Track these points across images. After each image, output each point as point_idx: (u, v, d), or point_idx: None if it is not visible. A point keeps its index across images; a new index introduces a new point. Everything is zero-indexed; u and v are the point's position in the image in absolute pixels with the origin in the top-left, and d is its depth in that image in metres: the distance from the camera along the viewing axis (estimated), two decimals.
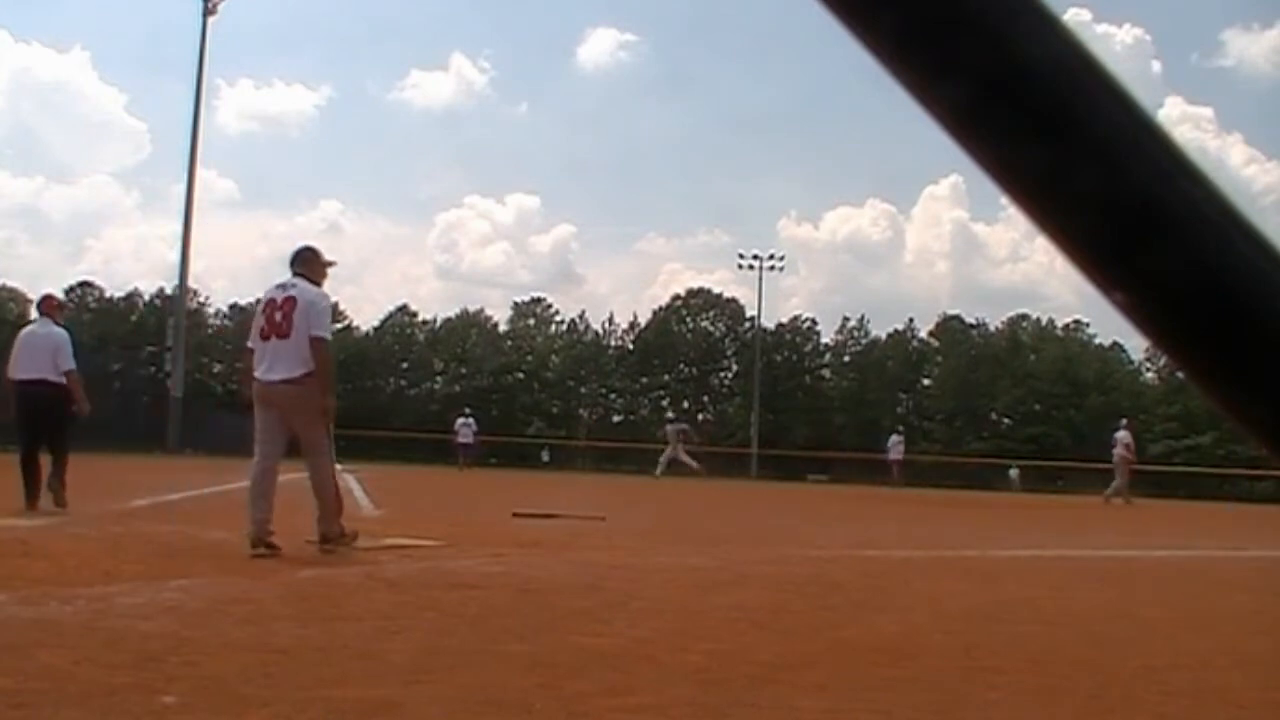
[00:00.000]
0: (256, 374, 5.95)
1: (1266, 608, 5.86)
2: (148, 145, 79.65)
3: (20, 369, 8.23)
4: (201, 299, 59.31)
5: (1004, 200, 0.39)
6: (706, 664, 3.29)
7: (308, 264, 6.23)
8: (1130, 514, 18.64)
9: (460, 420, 31.64)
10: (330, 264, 6.45)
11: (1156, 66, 71.85)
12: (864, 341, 61.19)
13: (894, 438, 33.36)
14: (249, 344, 6.16)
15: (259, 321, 6.10)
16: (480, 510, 10.71)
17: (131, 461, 20.35)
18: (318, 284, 6.20)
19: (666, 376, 60.99)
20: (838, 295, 73.82)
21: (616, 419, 60.68)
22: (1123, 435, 23.02)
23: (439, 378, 57.98)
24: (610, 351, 61.78)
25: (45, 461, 8.09)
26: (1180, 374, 0.40)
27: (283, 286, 6.07)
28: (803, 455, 48.34)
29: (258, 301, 6.42)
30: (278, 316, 5.93)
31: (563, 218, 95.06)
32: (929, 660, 3.61)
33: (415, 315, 63.04)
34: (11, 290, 58.50)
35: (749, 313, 58.69)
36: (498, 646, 3.41)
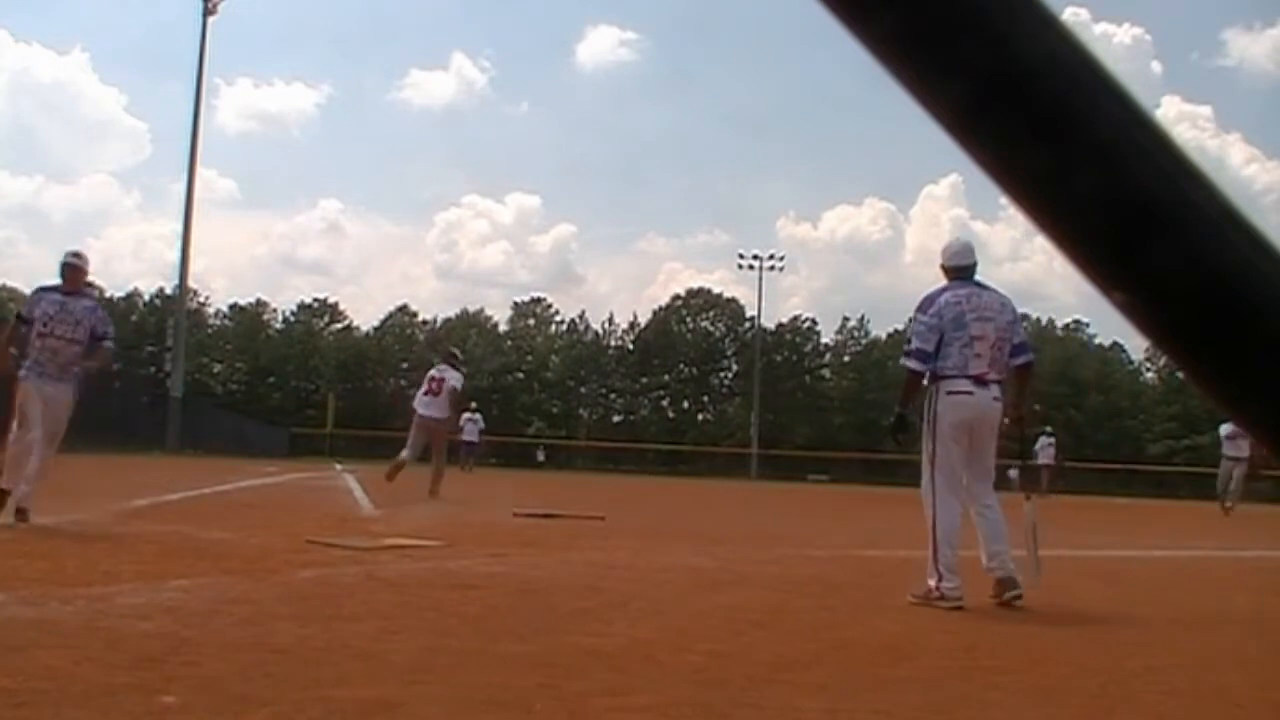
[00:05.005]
0: (420, 410, 12.81)
1: (1266, 608, 5.87)
2: (148, 145, 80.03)
3: None
4: (201, 299, 59.47)
5: (1004, 200, 0.39)
6: (706, 664, 3.29)
7: (450, 359, 13.41)
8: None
9: (465, 415, 26.87)
10: (463, 363, 14.29)
11: (1156, 66, 72.07)
12: (864, 341, 61.22)
13: (1043, 439, 28.10)
14: (421, 393, 12.96)
15: (425, 385, 12.92)
16: (480, 510, 10.71)
17: (131, 461, 20.36)
18: (457, 368, 13.24)
19: (666, 376, 61.03)
20: (838, 295, 73.92)
21: (616, 419, 60.73)
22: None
23: None
24: (610, 351, 61.79)
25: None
26: (1180, 374, 0.40)
27: (438, 369, 13.16)
28: (803, 455, 48.37)
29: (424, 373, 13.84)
30: (434, 385, 12.81)
31: (563, 218, 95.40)
32: (929, 660, 3.61)
33: (415, 315, 63.15)
34: (11, 290, 58.50)
35: (749, 313, 58.79)
36: (498, 646, 3.41)
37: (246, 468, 19.70)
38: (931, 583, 4.87)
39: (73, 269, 6.98)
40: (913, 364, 5.11)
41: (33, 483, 6.49)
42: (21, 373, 6.71)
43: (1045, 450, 27.82)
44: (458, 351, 14.48)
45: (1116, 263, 0.38)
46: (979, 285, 5.23)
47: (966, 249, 5.35)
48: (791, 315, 62.70)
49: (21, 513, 6.37)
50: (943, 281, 5.29)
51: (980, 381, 5.04)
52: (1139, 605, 5.52)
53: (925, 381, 5.14)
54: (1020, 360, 5.26)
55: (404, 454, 12.58)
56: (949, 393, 5.03)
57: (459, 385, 12.99)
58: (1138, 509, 21.97)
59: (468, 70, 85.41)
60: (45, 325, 6.73)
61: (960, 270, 5.25)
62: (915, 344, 5.11)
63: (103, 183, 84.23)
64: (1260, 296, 0.37)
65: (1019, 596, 4.87)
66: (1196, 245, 0.37)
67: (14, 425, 6.67)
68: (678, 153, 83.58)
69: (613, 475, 38.25)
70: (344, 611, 3.99)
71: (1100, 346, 58.34)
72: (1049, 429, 30.21)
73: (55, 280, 6.92)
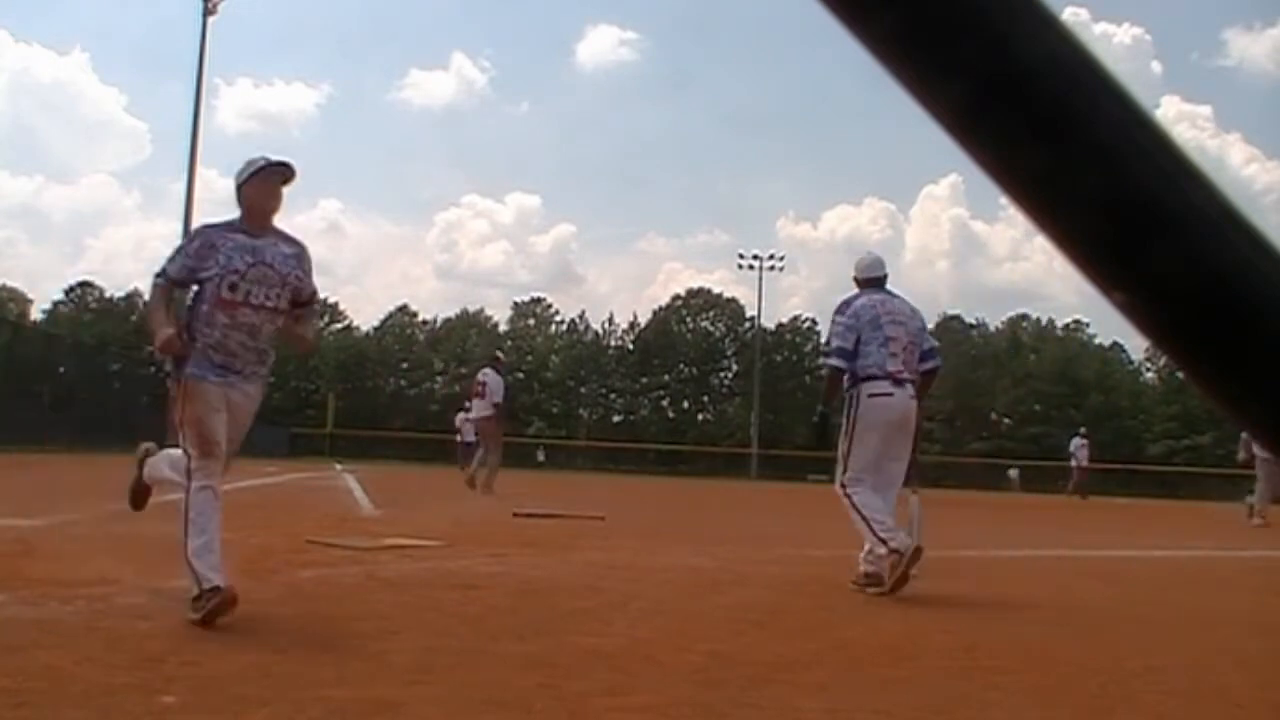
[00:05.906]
0: (473, 414, 15.05)
1: (1266, 608, 5.87)
2: (148, 145, 79.75)
3: None
4: None
5: (1004, 200, 0.39)
6: (706, 664, 3.29)
7: (494, 363, 15.02)
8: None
9: (461, 415, 24.00)
10: (505, 364, 15.48)
11: (1156, 66, 72.04)
12: None
13: (1077, 440, 27.35)
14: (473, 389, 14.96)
15: (474, 387, 14.81)
16: (480, 510, 10.71)
17: (131, 462, 20.34)
18: (498, 370, 14.82)
19: (666, 376, 60.98)
20: (838, 295, 73.17)
21: (616, 419, 60.68)
22: None
23: (439, 378, 57.93)
24: (610, 351, 61.75)
25: None
26: (1180, 374, 0.40)
27: (483, 372, 14.79)
28: (803, 455, 48.27)
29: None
30: (479, 389, 14.55)
31: (563, 218, 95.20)
32: (929, 660, 3.61)
33: (415, 315, 63.09)
34: (11, 290, 58.56)
35: (749, 313, 58.69)
36: (498, 646, 3.41)
37: (246, 468, 19.65)
38: (882, 551, 5.07)
39: (274, 180, 4.09)
40: (834, 361, 5.49)
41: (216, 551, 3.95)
42: (190, 369, 3.86)
43: (1080, 451, 27.02)
44: (501, 354, 16.64)
45: (1116, 263, 0.38)
46: (889, 293, 5.65)
47: (878, 262, 5.81)
48: (791, 315, 62.67)
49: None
50: (855, 290, 5.68)
51: (897, 381, 5.36)
52: (1139, 605, 5.51)
53: (846, 382, 5.42)
54: (927, 365, 5.58)
55: (474, 463, 14.70)
56: (871, 395, 5.33)
57: (499, 397, 14.44)
58: (1138, 509, 21.96)
59: (468, 70, 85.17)
60: (233, 288, 3.87)
61: (872, 281, 5.69)
62: (835, 343, 5.51)
63: (103, 183, 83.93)
64: (1260, 296, 0.37)
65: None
66: (1196, 245, 0.37)
67: (173, 451, 4.43)
68: (678, 153, 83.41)
69: (613, 475, 38.23)
70: (344, 611, 3.99)
71: (1100, 346, 58.30)
72: (1083, 430, 28.95)
73: (226, 215, 4.08)
